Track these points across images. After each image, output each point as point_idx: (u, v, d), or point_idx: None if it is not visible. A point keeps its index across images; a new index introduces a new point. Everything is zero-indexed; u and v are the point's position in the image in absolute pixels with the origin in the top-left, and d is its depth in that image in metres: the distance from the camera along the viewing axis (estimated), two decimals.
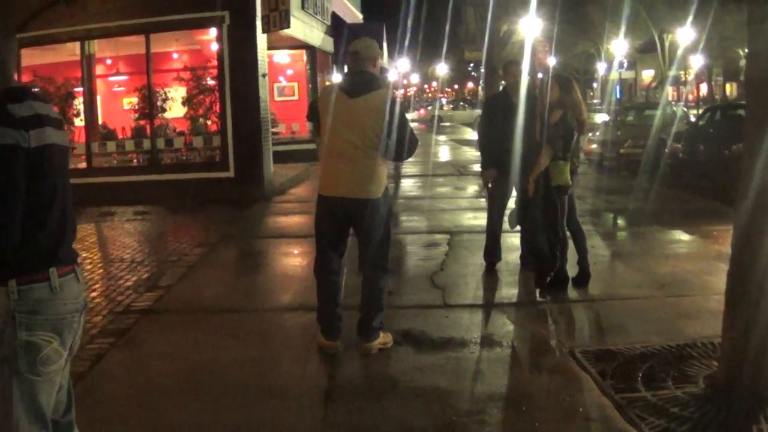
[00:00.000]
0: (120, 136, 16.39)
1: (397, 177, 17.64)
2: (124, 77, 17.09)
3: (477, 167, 15.97)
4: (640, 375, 4.95)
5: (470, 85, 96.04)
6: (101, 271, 8.83)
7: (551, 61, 33.64)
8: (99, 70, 16.68)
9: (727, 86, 60.57)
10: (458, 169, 19.42)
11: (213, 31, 15.12)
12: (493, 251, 8.02)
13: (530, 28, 23.12)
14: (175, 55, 17.20)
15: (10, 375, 2.80)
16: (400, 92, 59.03)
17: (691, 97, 57.10)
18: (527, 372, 5.36)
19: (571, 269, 7.20)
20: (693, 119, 19.24)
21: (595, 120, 28.19)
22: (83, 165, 15.67)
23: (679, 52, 43.54)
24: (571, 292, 7.06)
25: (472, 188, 15.26)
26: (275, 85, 22.19)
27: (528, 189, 6.96)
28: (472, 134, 35.40)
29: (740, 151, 5.68)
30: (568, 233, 7.15)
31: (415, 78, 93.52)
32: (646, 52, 56.15)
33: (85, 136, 15.76)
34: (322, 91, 5.93)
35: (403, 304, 6.79)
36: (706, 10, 34.26)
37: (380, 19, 39.29)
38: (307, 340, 5.88)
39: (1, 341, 2.80)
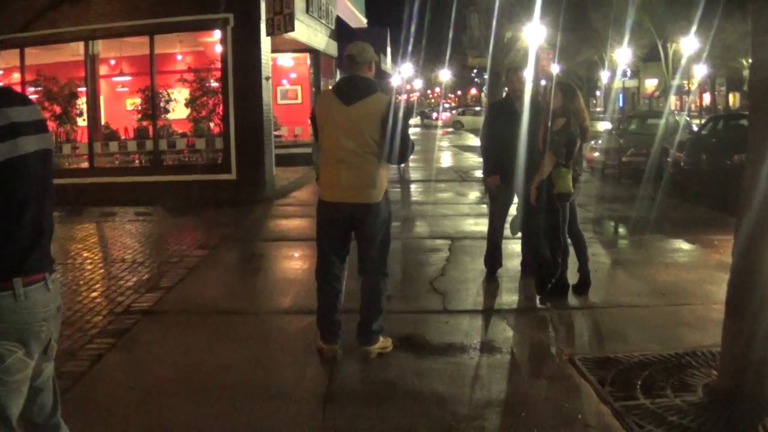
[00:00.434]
0: (122, 137, 16.41)
1: (403, 182, 17.66)
2: (128, 78, 17.08)
3: (479, 173, 16.00)
4: (640, 383, 4.95)
5: (473, 91, 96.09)
6: (102, 271, 8.82)
7: (555, 69, 33.67)
8: (103, 70, 16.70)
9: (731, 96, 60.61)
10: (460, 175, 19.42)
11: (217, 33, 15.13)
12: (494, 257, 8.01)
13: (534, 35, 23.11)
14: (179, 57, 17.20)
15: None
16: (403, 97, 59.04)
17: (693, 106, 57.17)
18: (526, 378, 5.35)
19: (572, 276, 7.20)
20: (696, 128, 19.23)
21: (597, 128, 28.20)
22: (85, 165, 15.71)
23: (683, 61, 43.58)
24: (572, 300, 7.06)
25: (474, 194, 15.26)
26: (278, 89, 22.21)
27: (530, 196, 6.97)
28: (474, 140, 35.40)
29: (742, 160, 5.68)
30: (569, 240, 7.15)
31: (418, 83, 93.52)
32: (649, 60, 56.26)
33: (88, 136, 15.78)
34: (318, 97, 5.92)
35: (403, 309, 6.79)
36: (709, 19, 34.26)
37: (384, 24, 39.40)
38: (306, 343, 5.88)
39: None
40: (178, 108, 15.81)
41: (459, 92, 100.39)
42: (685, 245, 9.72)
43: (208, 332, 6.29)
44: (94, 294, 7.61)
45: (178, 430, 4.45)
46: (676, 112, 27.58)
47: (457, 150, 30.43)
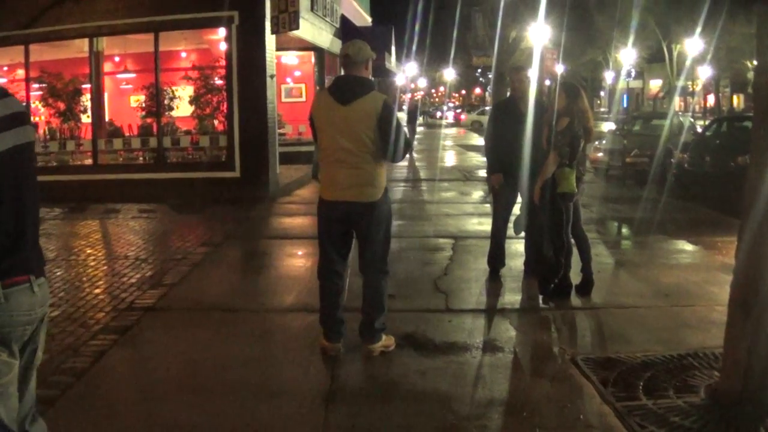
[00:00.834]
0: (126, 134, 16.43)
1: (407, 181, 17.65)
2: (132, 75, 17.11)
3: (483, 173, 15.99)
4: (642, 384, 4.95)
5: (477, 90, 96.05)
6: (105, 267, 8.84)
7: (559, 69, 33.66)
8: (107, 67, 16.70)
9: (735, 98, 60.55)
10: (464, 174, 19.42)
11: (222, 31, 15.12)
12: (497, 257, 8.02)
13: (539, 35, 23.12)
14: (184, 54, 17.21)
15: None
16: (407, 96, 59.08)
17: (698, 107, 57.11)
18: (529, 378, 5.35)
19: (575, 277, 7.21)
20: (700, 130, 19.21)
21: (601, 129, 28.19)
22: (89, 161, 15.72)
23: (687, 62, 43.55)
24: (575, 300, 7.06)
25: (478, 193, 15.27)
26: (283, 87, 22.20)
27: (534, 195, 6.98)
28: (478, 140, 35.39)
29: (746, 162, 5.68)
30: (572, 241, 7.15)
31: (422, 82, 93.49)
32: (654, 61, 56.21)
33: (92, 132, 15.79)
34: (315, 97, 5.93)
35: (406, 308, 6.79)
36: (714, 21, 34.28)
37: (389, 23, 39.39)
38: (309, 341, 5.89)
39: None
40: (182, 105, 15.81)
41: (463, 91, 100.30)
42: (688, 246, 9.71)
43: (211, 329, 6.30)
44: (97, 290, 7.63)
45: (180, 427, 4.46)
46: (680, 113, 27.50)
47: (461, 149, 30.42)
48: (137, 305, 7.03)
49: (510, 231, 7.91)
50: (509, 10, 22.80)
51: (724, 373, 4.81)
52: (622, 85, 59.35)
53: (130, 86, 17.26)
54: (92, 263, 9.02)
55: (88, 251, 9.82)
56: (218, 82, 15.57)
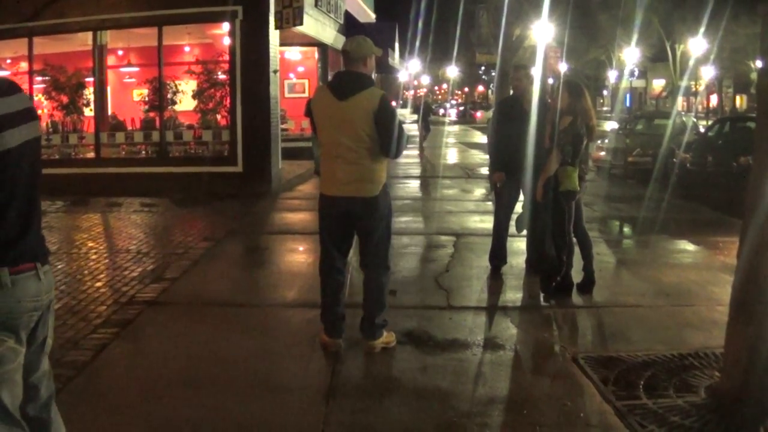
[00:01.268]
0: (129, 128, 16.42)
1: (409, 178, 17.65)
2: (135, 69, 17.10)
3: (485, 170, 15.99)
4: (642, 383, 4.95)
5: (480, 88, 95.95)
6: (107, 261, 8.84)
7: (562, 67, 33.63)
8: (110, 60, 16.69)
9: (738, 98, 60.52)
10: (466, 172, 19.42)
11: (226, 26, 15.13)
12: (498, 254, 8.02)
13: (542, 33, 23.07)
14: (187, 49, 17.20)
15: None
16: (410, 93, 59.09)
17: (701, 107, 57.09)
18: (529, 376, 5.36)
19: (577, 275, 7.21)
20: (702, 130, 19.21)
21: (604, 128, 28.17)
22: (92, 155, 15.73)
23: (691, 62, 43.52)
24: (576, 298, 7.06)
25: (480, 191, 15.27)
26: (286, 82, 22.21)
27: (537, 193, 6.99)
28: (480, 137, 35.37)
29: (748, 163, 5.69)
30: (574, 239, 7.15)
31: (425, 79, 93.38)
32: (657, 61, 56.18)
33: (95, 126, 15.80)
34: (315, 93, 5.93)
35: (407, 305, 6.79)
36: (718, 21, 34.27)
37: (393, 19, 39.38)
38: (310, 337, 5.89)
39: None
40: (185, 100, 15.82)
41: (466, 89, 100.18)
42: (689, 246, 9.71)
43: (211, 324, 6.31)
44: (98, 284, 7.64)
45: (180, 421, 4.46)
46: (683, 113, 27.48)
47: (464, 147, 30.41)
48: (138, 299, 7.04)
49: (512, 229, 7.91)
50: (513, 8, 22.76)
51: (725, 373, 4.81)
52: (625, 84, 59.31)
53: (133, 80, 17.24)
54: (94, 257, 9.03)
55: (90, 244, 9.82)
56: (221, 76, 15.58)
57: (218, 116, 15.70)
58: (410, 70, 62.03)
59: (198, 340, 5.91)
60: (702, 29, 36.49)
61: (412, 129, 37.55)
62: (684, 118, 20.94)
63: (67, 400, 4.62)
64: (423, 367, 5.30)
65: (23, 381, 2.96)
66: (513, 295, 7.36)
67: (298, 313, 6.62)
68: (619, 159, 18.60)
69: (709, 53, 42.35)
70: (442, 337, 5.96)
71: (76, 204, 13.33)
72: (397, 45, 35.98)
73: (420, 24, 44.98)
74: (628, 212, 12.65)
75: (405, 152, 5.85)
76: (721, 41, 38.80)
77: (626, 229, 11.68)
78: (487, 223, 10.02)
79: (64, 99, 15.75)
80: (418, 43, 49.56)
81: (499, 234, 7.99)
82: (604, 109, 67.98)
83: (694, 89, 55.22)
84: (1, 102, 2.78)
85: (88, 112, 16.00)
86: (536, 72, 9.19)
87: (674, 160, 15.87)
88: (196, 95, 15.69)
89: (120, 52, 17.12)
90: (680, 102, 47.61)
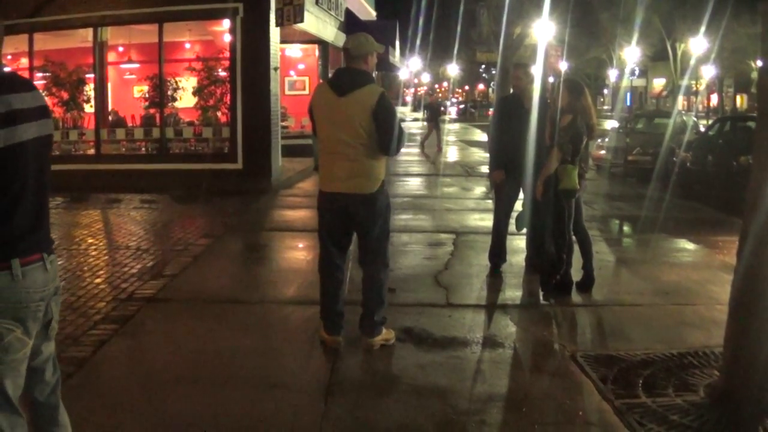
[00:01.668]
0: (129, 124, 16.43)
1: (409, 176, 17.64)
2: (136, 65, 17.10)
3: (485, 168, 15.99)
4: (641, 381, 4.95)
5: (481, 86, 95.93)
6: (106, 257, 8.85)
7: (563, 66, 33.62)
8: (111, 57, 16.69)
9: (738, 97, 60.50)
10: (466, 170, 19.42)
11: (226, 23, 15.13)
12: (498, 252, 8.01)
13: (543, 32, 23.09)
14: (188, 45, 17.21)
15: None
16: (410, 90, 59.01)
17: (701, 107, 57.09)
18: (528, 374, 5.36)
19: (576, 273, 7.21)
20: (703, 129, 19.21)
21: (604, 126, 28.17)
22: (92, 151, 15.73)
23: (691, 61, 43.52)
24: (575, 297, 7.06)
25: (480, 189, 15.26)
26: (286, 79, 22.22)
27: (536, 192, 6.99)
28: (480, 135, 35.37)
29: (748, 162, 5.69)
30: (574, 237, 7.15)
31: (426, 77, 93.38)
32: (657, 60, 56.15)
33: (95, 122, 15.80)
34: (315, 89, 5.94)
35: (406, 302, 6.79)
36: (719, 20, 34.26)
37: (394, 17, 39.36)
38: (309, 333, 5.89)
39: None
40: (185, 96, 15.82)
41: (467, 87, 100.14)
42: (689, 245, 9.71)
43: (211, 321, 6.30)
44: (98, 280, 7.64)
45: (179, 417, 4.46)
46: (683, 112, 27.48)
47: (464, 145, 30.41)
48: (138, 296, 7.03)
49: (512, 227, 7.91)
50: (514, 6, 22.74)
51: (724, 372, 4.81)
52: (625, 83, 59.29)
53: (133, 77, 17.25)
54: (93, 253, 9.03)
55: (90, 241, 9.83)
56: (222, 73, 15.57)
57: (218, 113, 15.69)
58: (411, 68, 62.04)
59: (197, 336, 5.91)
60: (703, 28, 36.50)
61: (412, 127, 37.63)
62: (684, 118, 20.92)
63: (67, 396, 4.61)
64: (422, 365, 5.30)
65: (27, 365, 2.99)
66: (512, 293, 7.36)
67: (297, 310, 6.62)
68: (619, 158, 18.60)
69: (710, 52, 42.35)
70: (441, 334, 5.96)
71: (76, 200, 13.33)
72: (397, 43, 35.98)
73: (421, 22, 45.02)
74: (628, 211, 12.65)
75: (403, 150, 5.85)
76: (721, 40, 38.79)
77: (626, 228, 11.68)
78: (486, 221, 10.01)
79: (65, 95, 15.75)
80: (418, 41, 49.59)
81: (499, 232, 7.98)
82: (605, 107, 67.99)
83: (694, 88, 55.22)
84: (16, 97, 2.82)
85: (89, 108, 16.00)
86: (537, 70, 9.17)
87: (674, 159, 15.86)
88: (197, 92, 15.68)
89: (121, 49, 17.10)
90: (681, 101, 47.62)
